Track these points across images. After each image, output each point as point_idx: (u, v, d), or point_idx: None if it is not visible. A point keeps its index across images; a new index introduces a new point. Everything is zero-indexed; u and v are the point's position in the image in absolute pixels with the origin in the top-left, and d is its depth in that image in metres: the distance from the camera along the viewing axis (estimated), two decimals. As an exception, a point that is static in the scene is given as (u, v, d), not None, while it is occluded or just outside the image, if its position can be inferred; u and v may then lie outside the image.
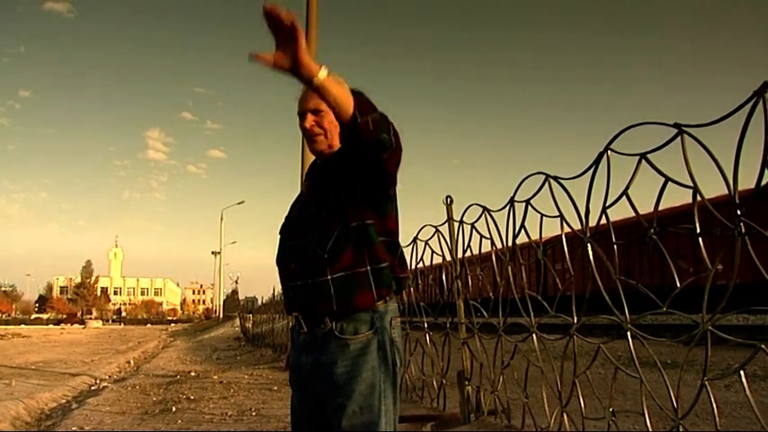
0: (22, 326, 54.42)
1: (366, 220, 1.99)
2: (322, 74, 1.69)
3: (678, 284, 3.03)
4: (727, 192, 2.61)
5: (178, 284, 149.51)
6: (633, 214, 3.24)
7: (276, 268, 2.20)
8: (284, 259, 2.11)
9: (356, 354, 1.94)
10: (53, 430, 6.03)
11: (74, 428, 5.98)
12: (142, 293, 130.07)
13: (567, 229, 3.87)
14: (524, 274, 4.54)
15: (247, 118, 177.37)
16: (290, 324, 2.20)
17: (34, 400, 7.88)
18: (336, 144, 2.11)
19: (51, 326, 57.70)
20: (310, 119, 2.08)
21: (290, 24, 1.59)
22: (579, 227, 3.65)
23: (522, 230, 4.37)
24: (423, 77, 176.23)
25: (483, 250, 5.02)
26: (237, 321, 33.12)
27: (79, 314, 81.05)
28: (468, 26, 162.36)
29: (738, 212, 2.57)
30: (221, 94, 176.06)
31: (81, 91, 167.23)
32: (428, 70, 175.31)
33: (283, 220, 2.22)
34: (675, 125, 2.84)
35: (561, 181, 3.83)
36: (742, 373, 2.68)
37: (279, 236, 2.19)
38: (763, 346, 2.54)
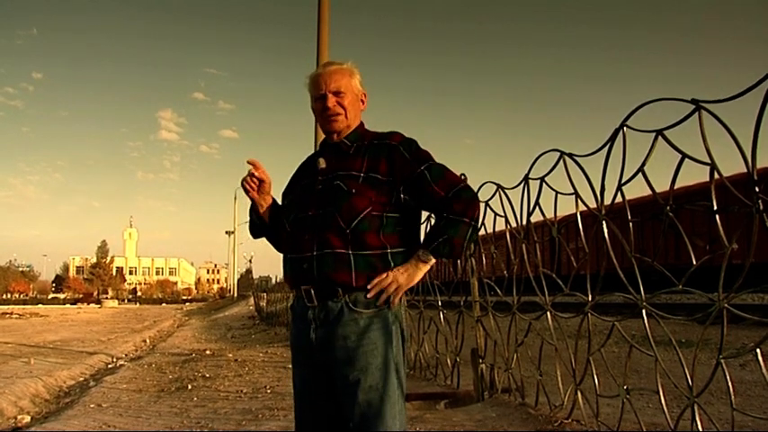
0: (40, 305, 55.33)
1: (393, 213, 2.07)
2: (432, 261, 2.05)
3: (694, 262, 3.01)
4: (745, 169, 2.58)
5: (192, 264, 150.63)
6: (649, 192, 3.21)
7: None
8: (297, 230, 2.10)
9: (371, 327, 1.99)
10: (71, 407, 6.11)
11: (92, 406, 6.06)
12: (157, 273, 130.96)
13: (581, 207, 3.85)
14: (538, 253, 4.53)
15: (259, 98, 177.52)
16: (293, 300, 2.20)
17: (53, 377, 8.00)
18: (354, 123, 2.19)
19: (68, 305, 58.55)
20: (332, 99, 2.14)
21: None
22: (594, 204, 3.63)
23: (537, 208, 4.35)
24: (437, 61, 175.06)
25: (497, 228, 5.00)
26: (251, 300, 33.27)
27: (95, 294, 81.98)
28: (483, 14, 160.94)
29: (757, 189, 2.54)
30: (233, 75, 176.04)
31: (93, 73, 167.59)
32: (442, 55, 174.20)
33: (288, 194, 2.25)
34: (693, 101, 2.80)
35: (576, 158, 3.80)
36: (758, 351, 2.67)
37: (285, 209, 2.21)
38: (779, 324, 2.52)
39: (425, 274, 2.12)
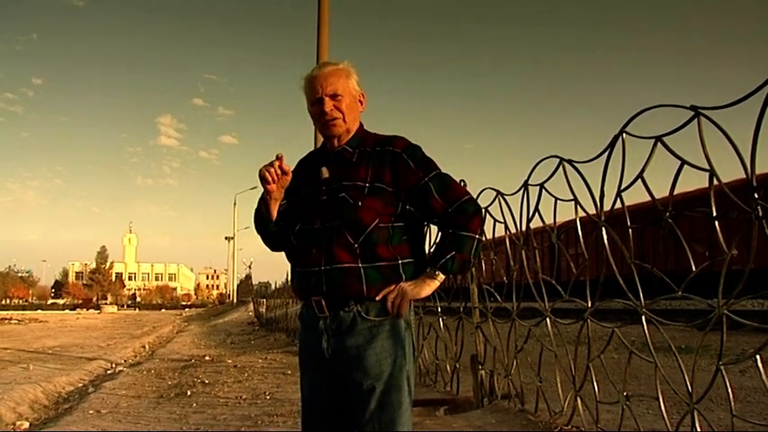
0: (39, 311, 55.14)
1: (399, 223, 2.04)
2: (441, 278, 2.03)
3: (693, 268, 3.01)
4: (744, 175, 2.58)
5: (192, 270, 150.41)
6: (648, 198, 3.21)
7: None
8: (303, 243, 2.08)
9: (383, 336, 1.99)
10: (70, 413, 6.09)
11: (91, 412, 6.05)
12: (156, 279, 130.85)
13: (581, 213, 3.85)
14: (538, 259, 4.53)
15: (259, 103, 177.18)
16: (301, 309, 2.19)
17: (51, 383, 7.98)
18: (353, 126, 2.13)
19: (67, 311, 58.33)
20: (329, 103, 2.07)
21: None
22: (593, 211, 3.63)
23: (536, 214, 4.35)
24: (437, 65, 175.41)
25: (496, 234, 5.00)
26: (251, 306, 33.27)
27: (94, 299, 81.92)
28: (482, 18, 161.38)
29: (756, 196, 2.54)
30: (233, 81, 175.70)
31: (93, 78, 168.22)
32: (442, 59, 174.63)
33: (289, 196, 2.18)
34: (692, 107, 2.81)
35: (575, 164, 3.80)
36: (758, 357, 2.67)
37: (288, 219, 2.15)
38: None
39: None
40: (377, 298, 1.98)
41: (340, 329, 2.01)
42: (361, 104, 2.17)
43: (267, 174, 2.06)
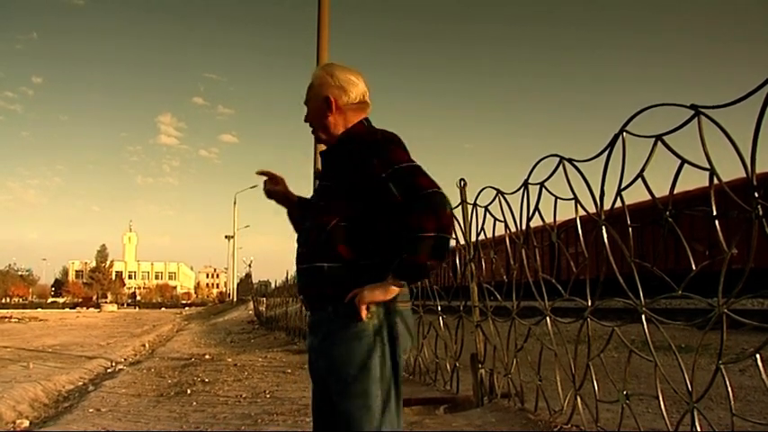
0: (39, 309, 55.11)
1: (363, 221, 1.99)
2: (398, 282, 1.91)
3: (693, 268, 3.01)
4: (744, 174, 2.58)
5: (192, 268, 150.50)
6: (648, 197, 3.21)
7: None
8: (297, 242, 2.18)
9: (352, 337, 1.93)
10: (70, 412, 6.10)
11: (91, 410, 6.05)
12: (156, 277, 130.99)
13: (581, 212, 3.85)
14: (538, 258, 4.53)
15: (259, 102, 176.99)
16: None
17: (52, 382, 7.98)
18: (324, 133, 2.19)
19: (67, 309, 58.41)
20: (305, 114, 2.23)
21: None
22: (593, 210, 3.63)
23: (536, 213, 4.35)
24: (436, 64, 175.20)
25: (496, 233, 5.00)
26: (251, 305, 33.24)
27: (94, 298, 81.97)
28: (482, 18, 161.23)
29: (756, 195, 2.54)
30: (233, 80, 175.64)
31: (93, 77, 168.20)
32: (442, 59, 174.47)
33: None
34: (692, 106, 2.81)
35: (576, 163, 3.80)
36: (758, 356, 2.67)
37: None
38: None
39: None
40: (345, 300, 1.93)
41: (318, 329, 2.05)
42: (329, 107, 2.12)
43: (269, 195, 2.30)
